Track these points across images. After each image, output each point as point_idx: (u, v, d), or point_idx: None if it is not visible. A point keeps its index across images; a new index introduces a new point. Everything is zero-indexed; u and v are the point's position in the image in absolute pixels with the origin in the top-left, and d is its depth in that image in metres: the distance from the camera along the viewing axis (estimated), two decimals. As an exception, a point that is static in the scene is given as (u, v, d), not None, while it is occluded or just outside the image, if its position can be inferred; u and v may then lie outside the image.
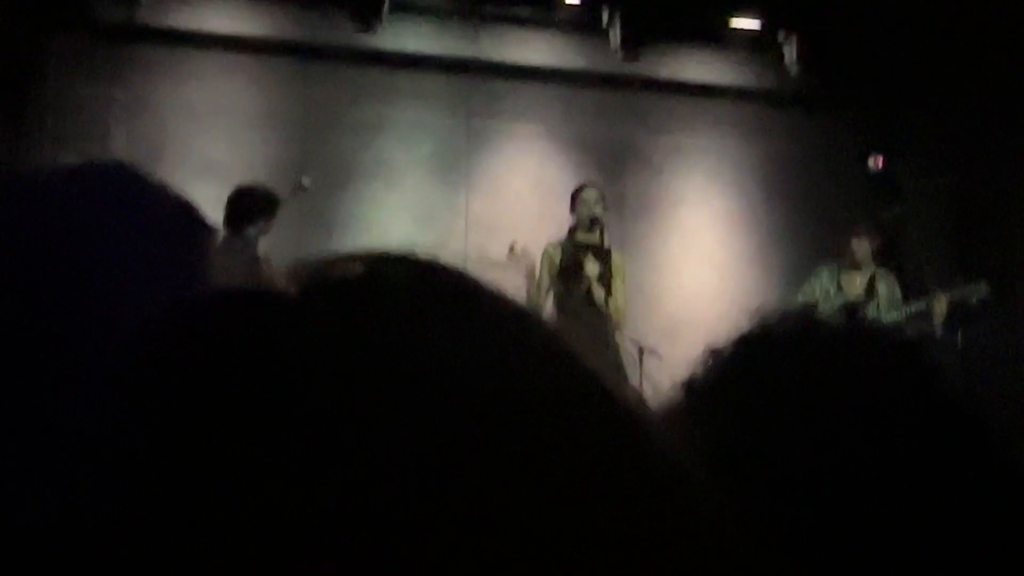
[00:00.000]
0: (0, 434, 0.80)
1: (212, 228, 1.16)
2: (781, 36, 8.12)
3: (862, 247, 6.73)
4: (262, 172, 7.26)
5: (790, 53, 8.13)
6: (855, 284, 6.75)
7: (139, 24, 7.42)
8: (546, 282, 6.39)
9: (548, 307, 6.31)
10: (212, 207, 6.07)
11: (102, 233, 0.98)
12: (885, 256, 6.95)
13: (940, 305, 6.48)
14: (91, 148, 7.04)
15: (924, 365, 0.74)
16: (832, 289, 6.72)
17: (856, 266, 6.76)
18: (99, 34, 7.33)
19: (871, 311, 6.63)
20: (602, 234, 6.47)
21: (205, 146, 7.41)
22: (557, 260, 6.43)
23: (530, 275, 6.32)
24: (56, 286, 0.94)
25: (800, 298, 6.62)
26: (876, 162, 8.10)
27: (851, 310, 6.59)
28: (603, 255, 6.46)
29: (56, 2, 7.18)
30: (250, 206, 5.85)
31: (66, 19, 7.23)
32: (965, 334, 6.67)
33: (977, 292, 6.56)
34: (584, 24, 8.08)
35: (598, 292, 6.34)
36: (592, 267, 6.38)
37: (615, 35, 7.98)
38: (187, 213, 1.10)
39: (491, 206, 7.81)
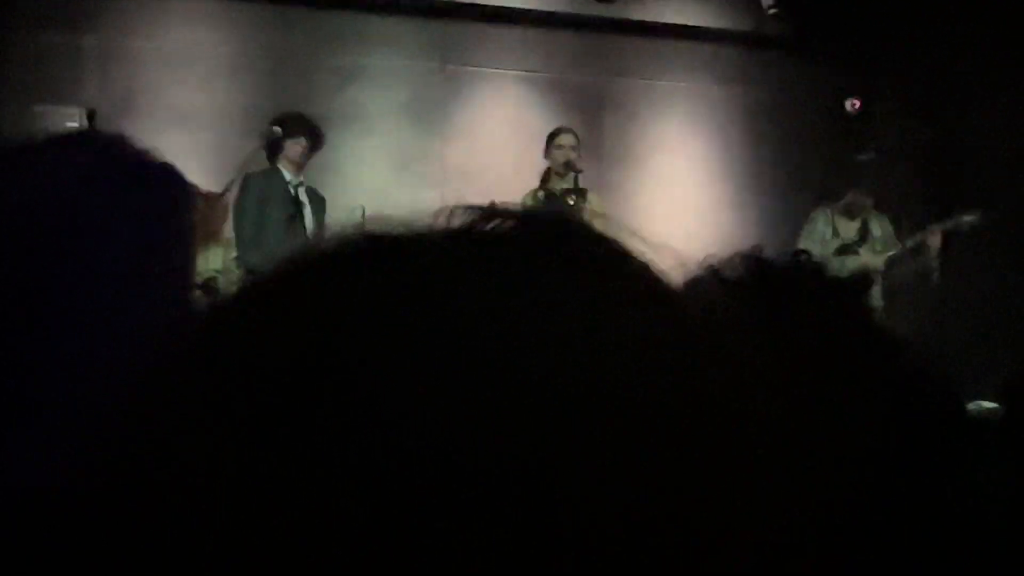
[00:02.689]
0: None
1: (193, 190, 1.16)
2: (758, -23, 8.06)
3: (866, 201, 6.84)
4: (235, 120, 7.20)
5: (767, -6, 8.08)
6: (850, 229, 6.86)
7: (107, -30, 7.31)
8: None
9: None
10: (185, 156, 6.01)
11: (88, 205, 0.97)
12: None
13: (934, 238, 6.61)
14: (61, 99, 6.95)
15: (861, 303, 0.75)
16: (828, 233, 6.83)
17: (852, 215, 6.86)
18: (66, -20, 7.21)
19: (866, 252, 6.77)
20: (576, 179, 6.40)
21: (177, 94, 7.32)
22: None
23: None
24: (44, 255, 0.93)
25: (801, 244, 6.69)
26: (853, 105, 8.08)
27: (846, 252, 6.73)
28: (580, 196, 6.37)
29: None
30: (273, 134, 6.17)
31: (32, -35, 7.11)
32: (943, 274, 6.77)
33: (969, 219, 6.64)
34: (559, -33, 8.00)
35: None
36: (570, 212, 6.34)
37: (591, -23, 7.91)
38: (171, 179, 1.09)
39: (467, 152, 7.77)
